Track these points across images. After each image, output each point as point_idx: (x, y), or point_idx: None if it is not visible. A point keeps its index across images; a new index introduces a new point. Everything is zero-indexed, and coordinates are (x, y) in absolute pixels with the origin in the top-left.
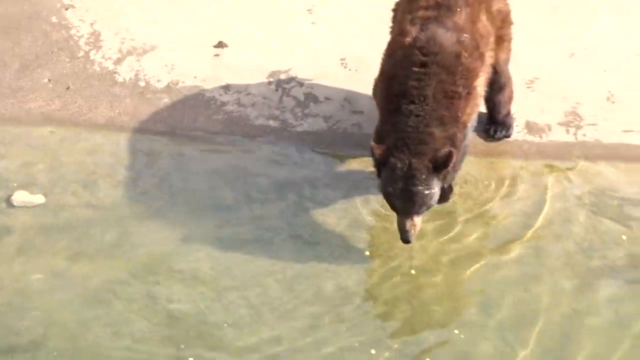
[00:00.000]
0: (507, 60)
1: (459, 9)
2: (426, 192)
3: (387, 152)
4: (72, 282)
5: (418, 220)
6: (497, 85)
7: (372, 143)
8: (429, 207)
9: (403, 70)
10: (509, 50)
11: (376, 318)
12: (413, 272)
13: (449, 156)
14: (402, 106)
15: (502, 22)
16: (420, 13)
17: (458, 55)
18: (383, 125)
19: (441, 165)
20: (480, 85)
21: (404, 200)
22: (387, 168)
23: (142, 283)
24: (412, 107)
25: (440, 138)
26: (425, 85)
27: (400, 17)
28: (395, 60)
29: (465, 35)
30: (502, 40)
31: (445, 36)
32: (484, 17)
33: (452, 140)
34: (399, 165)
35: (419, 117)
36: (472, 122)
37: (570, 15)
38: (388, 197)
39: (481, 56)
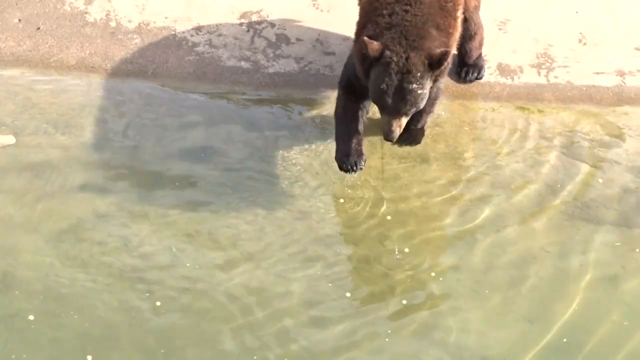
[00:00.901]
0: (477, 7)
1: None
2: (419, 91)
3: (381, 47)
4: (39, 223)
5: (404, 120)
6: (468, 33)
7: (364, 38)
8: (417, 109)
9: None
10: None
11: (349, 260)
12: (389, 217)
13: (445, 54)
14: (396, 8)
15: None
16: None
17: None
18: (374, 28)
19: (437, 63)
20: (460, 18)
21: (396, 99)
22: (381, 64)
23: (109, 225)
24: (408, 7)
25: (437, 38)
26: None
27: None
28: None
29: None
30: None
31: None
32: None
33: (447, 46)
34: (395, 59)
35: (417, 16)
36: (453, 50)
37: None
38: (380, 94)
39: None
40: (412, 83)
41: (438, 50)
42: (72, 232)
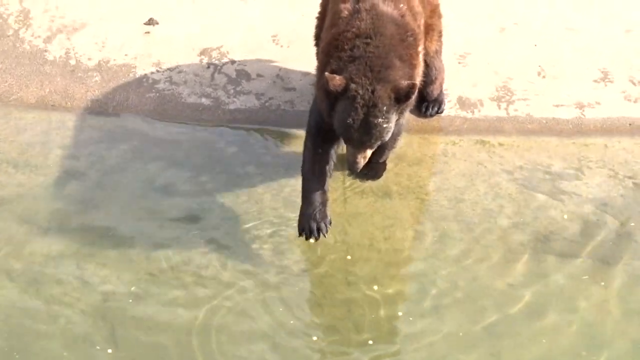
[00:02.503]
0: (437, 53)
1: None
2: (384, 125)
3: (346, 81)
4: (5, 263)
5: (369, 152)
6: (428, 78)
7: (326, 73)
8: (383, 141)
9: (353, 23)
10: (440, 42)
11: (315, 299)
12: (349, 257)
13: (412, 87)
14: (357, 43)
15: (432, 11)
16: None
17: (402, 16)
18: (337, 62)
19: (404, 97)
20: (422, 53)
21: (362, 132)
22: (347, 97)
23: (72, 264)
24: (369, 40)
25: (401, 69)
26: (380, 27)
27: (332, 3)
28: (340, 24)
29: (402, 5)
30: (431, 29)
31: (384, 5)
32: (416, 1)
33: (412, 78)
34: (360, 92)
35: (379, 48)
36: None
37: None
38: (345, 128)
39: (419, 27)
40: (378, 117)
41: (405, 83)
42: (31, 271)
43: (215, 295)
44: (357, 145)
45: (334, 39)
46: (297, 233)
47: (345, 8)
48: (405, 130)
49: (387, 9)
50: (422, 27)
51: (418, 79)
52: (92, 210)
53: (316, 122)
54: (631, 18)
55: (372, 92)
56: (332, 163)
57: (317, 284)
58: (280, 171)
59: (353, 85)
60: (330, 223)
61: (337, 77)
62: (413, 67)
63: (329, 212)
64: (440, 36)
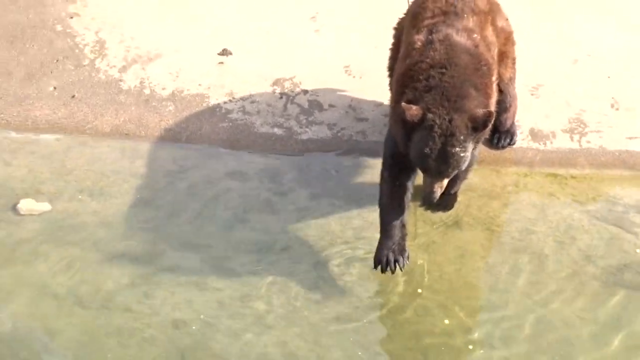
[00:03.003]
0: (511, 80)
1: (466, 16)
2: (462, 154)
3: (422, 111)
4: (72, 289)
5: (445, 182)
6: (502, 105)
7: (403, 103)
8: (460, 170)
9: (427, 53)
10: (514, 69)
11: (382, 331)
12: (419, 290)
13: (488, 116)
14: (432, 73)
15: (506, 39)
16: (427, 22)
17: (476, 46)
18: (412, 93)
19: (481, 125)
20: (495, 83)
21: (440, 162)
22: (424, 127)
23: (142, 292)
24: (444, 70)
25: (477, 98)
26: (454, 56)
27: (406, 34)
28: (413, 55)
29: (475, 35)
30: (505, 56)
31: (458, 35)
32: (490, 28)
33: (487, 106)
34: (438, 122)
35: (454, 77)
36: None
37: (573, 21)
38: (423, 158)
39: (493, 57)
40: (455, 146)
41: (482, 112)
42: (103, 298)
43: (286, 325)
44: (435, 175)
45: (409, 69)
46: (372, 265)
47: (419, 39)
48: (476, 161)
49: (461, 39)
50: (495, 57)
51: (493, 107)
52: (164, 239)
53: (392, 154)
54: None
55: (450, 121)
56: (409, 195)
57: (386, 315)
58: (351, 203)
59: (430, 115)
60: (409, 257)
61: (414, 107)
62: (488, 96)
63: (407, 245)
64: (514, 63)
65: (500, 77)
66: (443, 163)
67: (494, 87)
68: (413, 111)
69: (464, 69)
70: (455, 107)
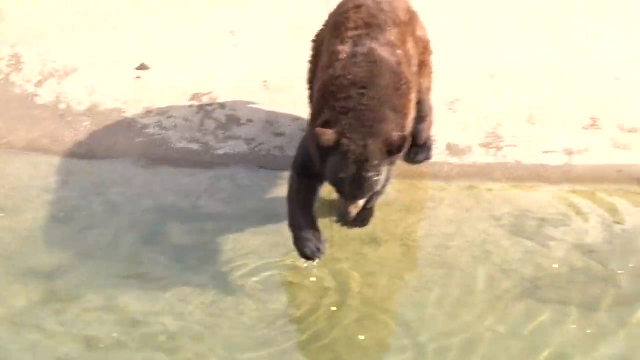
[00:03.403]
0: (429, 90)
1: (389, 28)
2: (376, 178)
3: (337, 136)
4: None
5: (361, 203)
6: (420, 115)
7: (317, 128)
8: (375, 192)
9: (349, 69)
10: (431, 79)
11: (298, 346)
12: (334, 309)
13: (403, 140)
14: (352, 92)
15: (424, 48)
16: (350, 33)
17: (399, 64)
18: (329, 113)
19: (396, 149)
20: (414, 101)
21: (354, 187)
22: (338, 153)
23: (54, 310)
24: (364, 91)
25: (393, 121)
26: (376, 75)
27: (328, 43)
28: (335, 68)
29: (399, 51)
30: (425, 65)
31: (382, 49)
32: (410, 39)
33: (403, 129)
34: (352, 147)
35: (373, 99)
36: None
37: (490, 37)
38: (337, 182)
39: (413, 73)
40: (369, 171)
41: (397, 136)
42: (12, 316)
43: (200, 341)
44: (349, 198)
45: (330, 83)
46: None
47: (344, 50)
48: (393, 176)
49: (384, 54)
50: (416, 70)
51: (409, 128)
52: (77, 256)
53: (303, 160)
54: (620, 66)
55: (364, 147)
56: (317, 194)
57: (302, 329)
58: (268, 217)
59: (345, 141)
60: (327, 240)
61: (329, 132)
62: (405, 116)
63: (322, 232)
64: (431, 73)
65: (419, 87)
66: (357, 187)
67: (412, 105)
68: (328, 136)
69: (385, 90)
70: (370, 132)
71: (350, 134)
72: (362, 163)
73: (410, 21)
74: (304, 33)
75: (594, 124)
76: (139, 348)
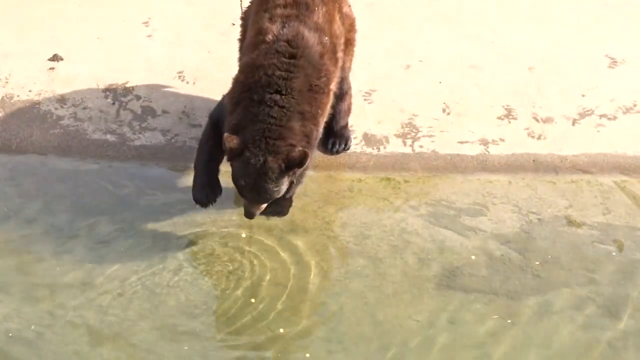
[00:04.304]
0: (350, 68)
1: (316, 8)
2: (275, 188)
3: (241, 145)
4: None
5: (263, 205)
6: (340, 92)
7: (226, 134)
8: (276, 198)
9: (270, 60)
10: (352, 57)
11: (218, 338)
12: (253, 300)
13: (303, 156)
14: (266, 96)
15: (350, 26)
16: (279, 11)
17: (321, 55)
18: (241, 116)
19: (294, 165)
20: (333, 90)
21: (254, 192)
22: (241, 161)
23: None
24: (277, 97)
25: (298, 133)
26: (293, 76)
27: (255, 17)
28: (259, 53)
29: (326, 38)
30: (350, 43)
31: (309, 35)
32: (337, 17)
33: (308, 137)
34: (252, 161)
35: (283, 109)
36: (322, 126)
37: (405, 28)
38: (238, 186)
39: (336, 61)
40: (268, 183)
41: (297, 153)
42: None
43: (119, 334)
44: (250, 202)
45: (251, 74)
46: (193, 202)
47: (270, 30)
48: (311, 167)
49: (310, 41)
50: (341, 50)
51: (322, 123)
52: None
53: (218, 116)
54: (533, 56)
55: (264, 162)
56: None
57: (222, 321)
58: (185, 208)
59: (247, 153)
60: (221, 192)
61: (235, 140)
62: (315, 118)
63: (219, 182)
64: (353, 51)
65: (343, 64)
66: (257, 194)
67: (330, 97)
68: (233, 144)
69: (298, 94)
70: (270, 149)
71: (252, 147)
72: (261, 175)
73: None
74: (219, 23)
75: (508, 114)
76: (59, 341)
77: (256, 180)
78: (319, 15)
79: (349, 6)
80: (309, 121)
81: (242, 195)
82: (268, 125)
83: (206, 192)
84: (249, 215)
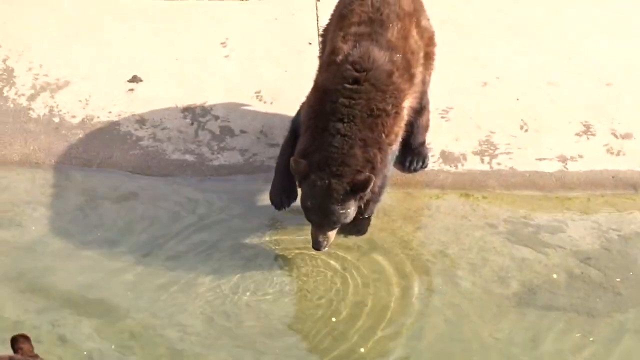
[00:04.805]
0: (429, 82)
1: (391, 25)
2: (341, 211)
3: (308, 169)
4: None
5: (331, 233)
6: (419, 107)
7: (294, 157)
8: (342, 223)
9: (335, 86)
10: (431, 71)
11: (300, 356)
12: (333, 319)
13: (367, 181)
14: (329, 124)
15: (429, 39)
16: (353, 29)
17: (390, 74)
18: (309, 142)
19: (359, 188)
20: (407, 107)
21: (319, 216)
22: (307, 184)
23: (54, 321)
24: (339, 125)
25: (361, 160)
26: (354, 103)
27: (331, 35)
28: (328, 76)
29: (398, 55)
30: (429, 57)
31: (379, 54)
32: (414, 32)
33: (372, 163)
34: (318, 183)
35: (345, 137)
36: (395, 145)
37: (481, 44)
38: (305, 210)
39: (411, 77)
40: (333, 205)
41: (361, 177)
42: (9, 329)
43: (203, 348)
44: (317, 227)
45: (319, 99)
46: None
47: (341, 51)
48: (389, 184)
49: (379, 61)
50: (418, 63)
51: (388, 141)
52: (75, 268)
53: (299, 123)
54: (611, 71)
55: (328, 185)
56: None
57: (303, 341)
58: (263, 227)
59: (313, 176)
60: (296, 197)
61: (302, 164)
62: (378, 142)
63: (296, 185)
64: (432, 66)
65: (424, 78)
66: (323, 216)
67: (398, 117)
68: (300, 168)
69: (360, 120)
70: (335, 173)
71: (317, 171)
72: (326, 198)
73: (414, 11)
74: (295, 42)
75: (587, 130)
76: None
77: (322, 201)
78: (394, 32)
79: (428, 20)
80: (372, 147)
81: (309, 220)
82: (331, 154)
83: (282, 196)
84: (316, 245)
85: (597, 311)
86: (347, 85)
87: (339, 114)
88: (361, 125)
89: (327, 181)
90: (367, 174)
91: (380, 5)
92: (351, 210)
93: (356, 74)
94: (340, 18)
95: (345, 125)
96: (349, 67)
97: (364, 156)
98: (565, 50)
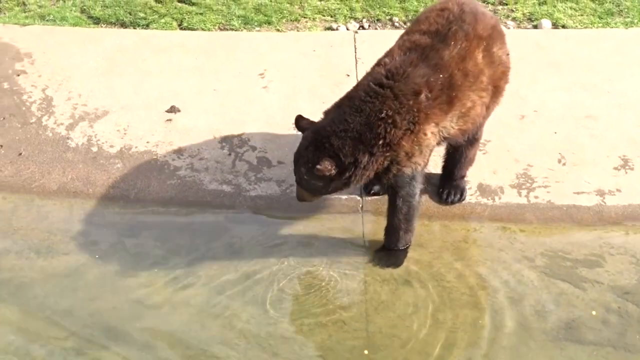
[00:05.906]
0: (487, 116)
1: (454, 42)
2: (306, 177)
3: (308, 128)
4: (20, 346)
5: (308, 196)
6: (473, 137)
7: (298, 115)
8: (311, 191)
9: (365, 80)
10: (497, 105)
11: None
12: (366, 352)
13: (321, 170)
14: (343, 106)
15: (502, 73)
16: (416, 37)
17: (417, 93)
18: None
19: (316, 172)
20: (433, 133)
21: (295, 171)
22: (301, 139)
23: (81, 351)
24: (347, 109)
25: (344, 149)
26: (369, 101)
27: (400, 36)
28: (370, 71)
29: (442, 75)
30: (497, 92)
31: (416, 71)
32: (479, 56)
33: (353, 157)
34: (302, 142)
35: (346, 122)
36: (414, 167)
37: (518, 77)
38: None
39: (451, 100)
40: (302, 167)
41: (321, 166)
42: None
43: None
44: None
45: (355, 87)
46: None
47: (387, 55)
48: (424, 216)
49: (413, 78)
50: (473, 86)
51: (414, 163)
52: (112, 298)
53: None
54: None
55: (305, 149)
56: None
57: None
58: (299, 259)
59: (304, 134)
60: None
61: (305, 121)
62: (373, 147)
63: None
64: (499, 100)
65: (473, 108)
66: (295, 174)
67: (409, 136)
68: (301, 124)
69: (365, 117)
70: (316, 144)
71: (310, 132)
72: (299, 159)
73: (488, 37)
74: (333, 74)
75: (625, 164)
76: None
77: (296, 160)
78: (453, 50)
79: (505, 53)
80: (363, 144)
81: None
82: (326, 126)
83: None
84: (296, 195)
85: (634, 347)
86: (372, 85)
87: (353, 102)
88: (364, 120)
89: (307, 147)
90: (327, 163)
91: (454, 21)
92: (318, 184)
93: (384, 80)
94: (415, 22)
95: (352, 112)
96: (382, 71)
97: (348, 147)
98: (603, 84)
